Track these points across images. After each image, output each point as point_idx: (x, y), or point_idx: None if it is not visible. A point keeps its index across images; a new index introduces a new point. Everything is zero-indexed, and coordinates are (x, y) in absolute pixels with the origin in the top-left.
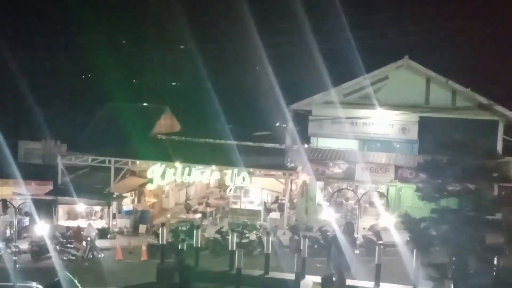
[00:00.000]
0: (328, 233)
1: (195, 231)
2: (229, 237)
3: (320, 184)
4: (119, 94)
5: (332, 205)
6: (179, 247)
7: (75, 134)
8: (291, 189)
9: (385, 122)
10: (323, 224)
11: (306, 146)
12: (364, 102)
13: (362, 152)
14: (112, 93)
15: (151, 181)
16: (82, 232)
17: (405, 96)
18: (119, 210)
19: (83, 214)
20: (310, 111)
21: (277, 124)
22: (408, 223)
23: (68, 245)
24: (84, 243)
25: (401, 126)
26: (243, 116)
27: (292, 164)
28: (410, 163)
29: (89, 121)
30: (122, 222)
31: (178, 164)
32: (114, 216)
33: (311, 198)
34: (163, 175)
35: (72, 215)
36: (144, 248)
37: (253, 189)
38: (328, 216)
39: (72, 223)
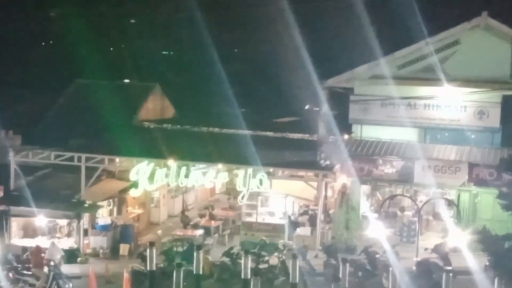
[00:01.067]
0: (377, 256)
1: (195, 253)
2: (242, 261)
3: (365, 188)
4: (92, 67)
5: (382, 218)
6: (174, 275)
7: (33, 121)
8: (326, 196)
9: (455, 104)
10: (370, 243)
11: (346, 137)
12: (426, 77)
13: (424, 145)
14: (83, 66)
15: (135, 185)
16: (43, 255)
17: (483, 67)
18: (93, 225)
19: (44, 230)
20: (352, 89)
21: (307, 108)
22: (487, 242)
23: (25, 272)
24: (45, 269)
25: (477, 109)
26: (260, 96)
27: (328, 162)
28: (489, 160)
29: (52, 105)
30: (97, 241)
31: (172, 162)
32: (86, 233)
33: (353, 208)
34: (151, 177)
35: (29, 232)
36: (126, 275)
37: (274, 196)
38: (377, 233)
39: (30, 242)
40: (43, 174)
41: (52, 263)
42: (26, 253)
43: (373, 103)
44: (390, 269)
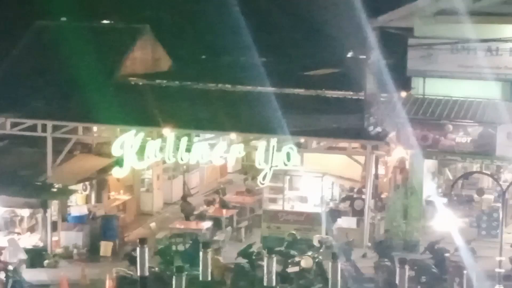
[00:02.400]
0: (446, 255)
1: (201, 253)
2: (264, 264)
3: (430, 164)
4: (59, 3)
5: (453, 204)
6: (174, 282)
7: None
8: (376, 175)
9: None
10: (436, 238)
11: (404, 94)
12: None
13: (509, 105)
14: (46, 2)
15: (119, 162)
16: None
17: None
18: (64, 216)
19: None
20: (411, 30)
21: (350, 56)
22: None
23: None
24: (1, 275)
25: None
26: (287, 41)
27: (379, 129)
28: None
29: (5, 56)
30: (70, 238)
31: (168, 132)
32: (55, 227)
33: (414, 191)
34: (141, 152)
35: None
36: (110, 283)
37: (306, 176)
38: (447, 224)
39: None
40: None
41: (10, 268)
42: None
43: (440, 49)
44: (464, 272)
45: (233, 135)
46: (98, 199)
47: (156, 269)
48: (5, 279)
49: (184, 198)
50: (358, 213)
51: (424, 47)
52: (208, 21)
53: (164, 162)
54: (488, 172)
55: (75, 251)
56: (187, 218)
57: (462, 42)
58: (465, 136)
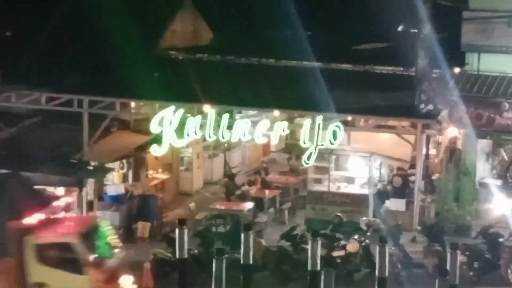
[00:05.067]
0: (501, 240)
1: (242, 235)
2: (308, 247)
3: (484, 144)
4: None
5: (508, 186)
6: (214, 265)
7: (14, 51)
8: (427, 155)
9: None
10: (490, 222)
11: (457, 70)
12: None
13: None
14: None
15: (158, 140)
16: None
17: None
18: (100, 195)
19: None
20: (465, 2)
21: (401, 29)
22: None
23: None
24: None
25: None
26: (333, 13)
27: (430, 107)
28: None
29: (41, 28)
30: (106, 218)
31: (209, 108)
32: (91, 207)
33: (467, 173)
34: (180, 130)
35: None
36: (147, 265)
37: (353, 156)
38: (502, 207)
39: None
40: (31, 125)
41: None
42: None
43: (497, 22)
44: None
45: (276, 112)
46: (136, 178)
47: (195, 251)
48: None
49: (229, 176)
50: (397, 191)
51: (479, 20)
52: None
53: (204, 140)
54: None
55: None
56: (228, 198)
57: None
58: None
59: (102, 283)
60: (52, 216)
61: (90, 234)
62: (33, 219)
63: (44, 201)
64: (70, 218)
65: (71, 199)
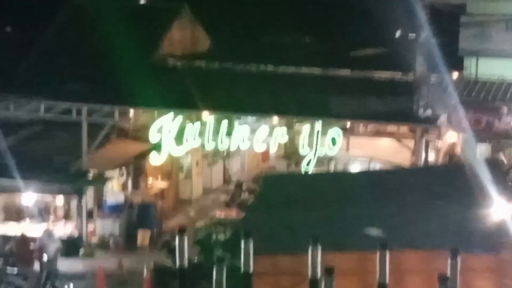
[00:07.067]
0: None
1: (243, 242)
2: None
3: (483, 149)
4: None
5: (508, 190)
6: (214, 273)
7: (13, 60)
8: (426, 160)
9: None
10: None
11: (455, 75)
12: None
13: None
14: None
15: (157, 148)
16: (31, 247)
17: None
18: (100, 204)
19: (32, 212)
20: (463, 7)
21: (398, 35)
22: None
23: (8, 269)
24: (36, 265)
25: None
26: (332, 19)
27: (429, 112)
28: None
29: (39, 36)
30: (106, 227)
31: (207, 115)
32: (90, 216)
33: None
34: (179, 137)
35: (12, 214)
36: (147, 274)
37: (353, 162)
38: (502, 214)
39: (14, 228)
40: (30, 134)
41: (44, 258)
42: (8, 244)
43: (495, 26)
44: None
45: (275, 119)
46: (135, 186)
47: (196, 259)
48: (39, 269)
49: (239, 184)
50: None
51: (477, 25)
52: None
53: (203, 147)
54: None
55: (111, 240)
56: (228, 205)
57: None
58: None
59: None
60: None
61: None
62: None
63: None
64: None
65: None
